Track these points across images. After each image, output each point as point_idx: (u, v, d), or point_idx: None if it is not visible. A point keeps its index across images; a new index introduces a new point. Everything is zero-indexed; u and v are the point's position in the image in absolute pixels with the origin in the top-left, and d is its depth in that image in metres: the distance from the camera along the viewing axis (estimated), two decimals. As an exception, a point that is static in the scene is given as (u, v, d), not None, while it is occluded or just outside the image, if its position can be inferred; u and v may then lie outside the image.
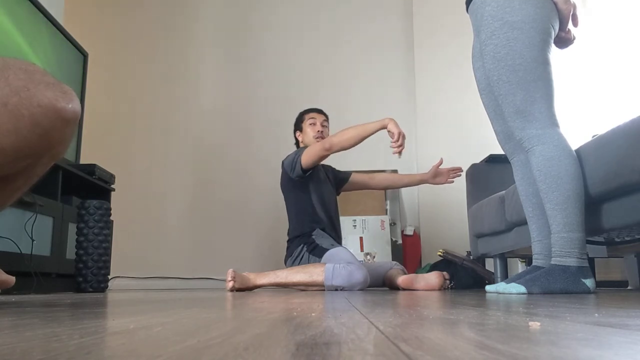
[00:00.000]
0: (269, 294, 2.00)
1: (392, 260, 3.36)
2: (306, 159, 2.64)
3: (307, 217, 2.69)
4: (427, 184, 3.00)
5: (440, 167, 2.89)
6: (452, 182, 2.89)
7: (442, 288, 2.45)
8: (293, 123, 2.98)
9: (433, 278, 2.46)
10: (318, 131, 2.83)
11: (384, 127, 2.52)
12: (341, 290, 2.35)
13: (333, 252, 2.49)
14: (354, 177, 2.97)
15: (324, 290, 2.38)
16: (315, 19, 4.36)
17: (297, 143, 2.95)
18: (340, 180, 2.95)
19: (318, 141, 2.76)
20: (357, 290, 2.36)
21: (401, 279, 2.50)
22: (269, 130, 4.15)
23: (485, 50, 1.77)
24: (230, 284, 2.36)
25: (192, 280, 3.89)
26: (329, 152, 2.60)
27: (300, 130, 2.90)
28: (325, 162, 2.98)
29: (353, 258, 2.47)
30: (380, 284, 2.76)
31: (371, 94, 4.22)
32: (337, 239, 2.80)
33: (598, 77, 3.58)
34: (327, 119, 2.93)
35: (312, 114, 2.89)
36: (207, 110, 4.23)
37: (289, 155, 2.77)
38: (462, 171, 2.90)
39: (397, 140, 2.47)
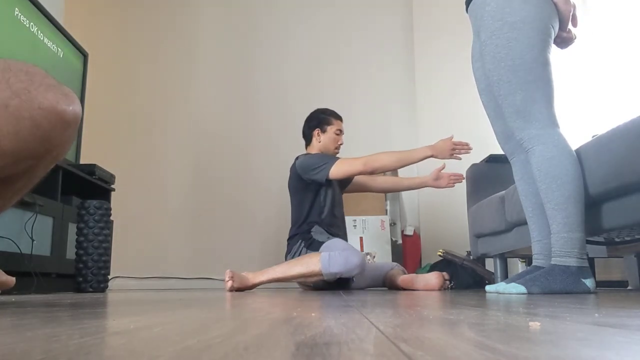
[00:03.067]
0: (268, 293, 2.00)
1: (393, 260, 3.36)
2: (339, 172, 2.60)
3: (313, 217, 2.68)
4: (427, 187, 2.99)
5: (441, 171, 2.87)
6: (453, 186, 2.86)
7: (442, 288, 2.45)
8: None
9: (433, 278, 2.46)
10: (341, 144, 2.83)
11: (428, 157, 2.56)
12: (339, 277, 2.34)
13: (328, 244, 2.50)
14: (356, 179, 2.95)
15: (323, 279, 2.38)
16: (316, 19, 4.36)
17: (308, 137, 2.87)
18: (344, 180, 2.93)
19: (336, 153, 2.80)
20: (355, 274, 2.36)
21: (401, 279, 2.50)
22: (269, 130, 4.15)
23: (485, 50, 1.77)
24: (229, 283, 2.35)
25: (192, 280, 3.88)
26: (368, 173, 2.62)
27: (323, 131, 2.82)
28: None
29: (348, 246, 2.47)
30: (380, 284, 2.76)
31: (371, 94, 4.22)
32: (343, 237, 2.80)
33: (598, 77, 3.58)
34: None
35: (340, 123, 2.85)
36: (208, 110, 4.23)
37: (304, 158, 2.70)
38: (463, 178, 2.88)
39: (459, 149, 2.53)
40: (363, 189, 3.00)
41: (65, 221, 2.53)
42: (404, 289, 2.45)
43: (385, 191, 3.04)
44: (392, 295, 1.71)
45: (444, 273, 2.53)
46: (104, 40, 4.22)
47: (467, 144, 2.55)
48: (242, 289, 2.42)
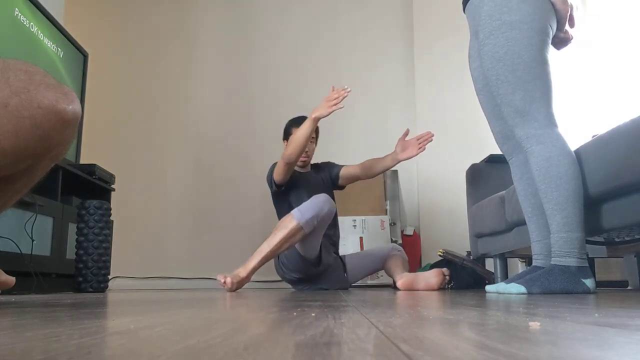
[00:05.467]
0: (267, 293, 2.00)
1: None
2: (276, 175, 2.66)
3: None
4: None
5: (407, 138, 2.74)
6: (424, 150, 2.71)
7: (442, 286, 2.46)
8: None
9: (433, 277, 2.46)
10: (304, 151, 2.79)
11: (318, 120, 2.49)
12: (317, 223, 2.38)
13: None
14: (344, 172, 2.88)
15: (306, 233, 2.39)
16: (316, 19, 4.36)
17: None
18: (334, 177, 2.90)
19: (303, 159, 2.78)
20: (327, 212, 2.41)
21: (401, 283, 2.49)
22: (270, 130, 4.15)
23: (484, 50, 1.77)
24: (229, 280, 2.31)
25: (192, 280, 3.88)
26: (290, 164, 2.61)
27: (287, 141, 2.84)
28: (323, 158, 2.96)
29: None
30: (380, 268, 2.74)
31: (371, 94, 4.22)
32: (331, 238, 2.79)
33: (598, 77, 3.58)
34: (314, 130, 2.84)
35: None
36: (208, 110, 4.23)
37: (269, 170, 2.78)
38: (432, 135, 2.72)
39: (337, 98, 2.43)
40: (355, 178, 2.89)
41: (65, 221, 2.53)
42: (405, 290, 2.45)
43: (371, 175, 2.85)
44: (392, 295, 1.72)
45: (444, 269, 2.52)
46: (104, 40, 4.22)
47: (344, 89, 2.44)
48: (241, 284, 2.39)
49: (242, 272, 2.39)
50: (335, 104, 2.42)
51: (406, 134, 2.75)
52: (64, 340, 0.46)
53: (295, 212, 2.42)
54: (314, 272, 2.64)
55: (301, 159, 2.79)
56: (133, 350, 0.40)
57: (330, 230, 2.74)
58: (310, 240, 2.51)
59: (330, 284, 2.71)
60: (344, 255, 2.86)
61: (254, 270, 2.41)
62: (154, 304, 1.15)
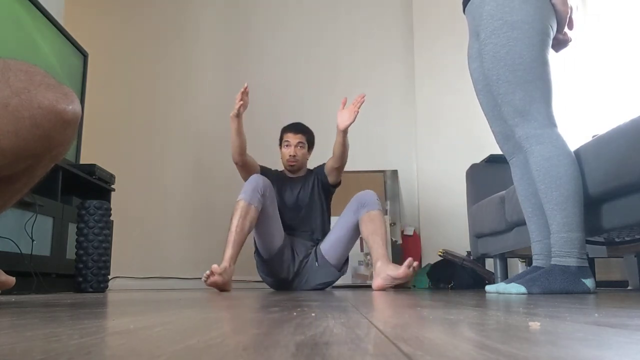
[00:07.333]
0: (266, 293, 2.00)
1: (393, 261, 2.77)
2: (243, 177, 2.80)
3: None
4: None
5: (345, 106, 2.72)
6: (357, 112, 2.67)
7: (409, 279, 2.41)
8: (294, 121, 2.98)
9: (401, 278, 2.37)
10: (291, 155, 2.83)
11: (233, 117, 2.62)
12: (261, 197, 2.52)
13: None
14: (327, 167, 2.86)
15: (255, 206, 2.49)
16: (316, 19, 4.36)
17: None
18: (322, 175, 2.89)
19: (291, 163, 2.85)
20: (263, 184, 2.55)
21: (375, 286, 2.44)
22: (270, 129, 4.14)
23: (485, 49, 1.77)
24: (215, 267, 2.28)
25: (192, 280, 3.88)
26: (237, 164, 2.76)
27: (280, 148, 2.93)
28: (323, 158, 2.95)
29: None
30: (359, 233, 2.69)
31: (371, 94, 4.21)
32: (309, 236, 2.80)
33: (598, 77, 3.58)
34: (305, 135, 2.87)
35: (288, 135, 2.87)
36: (208, 110, 4.22)
37: None
38: (364, 96, 2.73)
39: (238, 96, 2.61)
40: (336, 169, 2.84)
41: (65, 221, 2.53)
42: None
43: (338, 158, 2.78)
44: (392, 295, 1.72)
45: (410, 260, 2.37)
46: (104, 40, 4.22)
47: (244, 86, 2.64)
48: (227, 274, 2.34)
49: (224, 266, 2.36)
50: (240, 100, 2.60)
51: (344, 103, 2.74)
52: (64, 340, 0.46)
53: (240, 195, 2.53)
54: (283, 272, 2.69)
55: (289, 163, 2.86)
56: (133, 350, 0.40)
57: (305, 227, 2.80)
58: (264, 225, 2.59)
59: (314, 281, 2.70)
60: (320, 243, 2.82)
61: (232, 258, 2.43)
62: (154, 304, 1.15)
